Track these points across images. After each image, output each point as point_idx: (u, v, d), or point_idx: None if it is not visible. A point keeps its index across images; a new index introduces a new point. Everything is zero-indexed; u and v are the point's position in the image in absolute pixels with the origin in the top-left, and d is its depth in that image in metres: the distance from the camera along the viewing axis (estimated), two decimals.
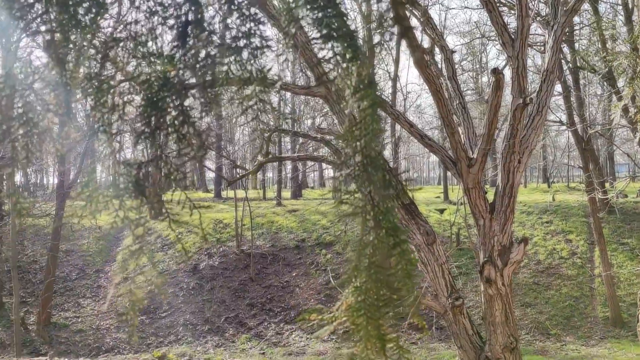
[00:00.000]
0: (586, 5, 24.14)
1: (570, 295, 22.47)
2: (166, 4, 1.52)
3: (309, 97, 26.41)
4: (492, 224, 9.57)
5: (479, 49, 46.88)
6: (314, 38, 1.46)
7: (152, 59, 1.52)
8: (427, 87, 9.84)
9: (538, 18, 12.12)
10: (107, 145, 1.61)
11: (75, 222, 27.43)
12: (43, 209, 24.83)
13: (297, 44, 9.30)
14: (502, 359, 9.41)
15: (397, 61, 37.38)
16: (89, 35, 1.54)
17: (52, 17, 1.53)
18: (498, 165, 10.43)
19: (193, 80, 1.50)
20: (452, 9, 48.59)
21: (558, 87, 24.15)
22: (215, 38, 1.47)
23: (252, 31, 1.48)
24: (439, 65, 12.31)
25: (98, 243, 28.95)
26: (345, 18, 1.47)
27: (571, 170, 57.74)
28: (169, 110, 1.49)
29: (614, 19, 23.20)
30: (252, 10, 1.54)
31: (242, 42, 1.48)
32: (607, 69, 23.62)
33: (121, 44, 1.56)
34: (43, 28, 1.50)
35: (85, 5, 1.53)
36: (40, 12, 1.53)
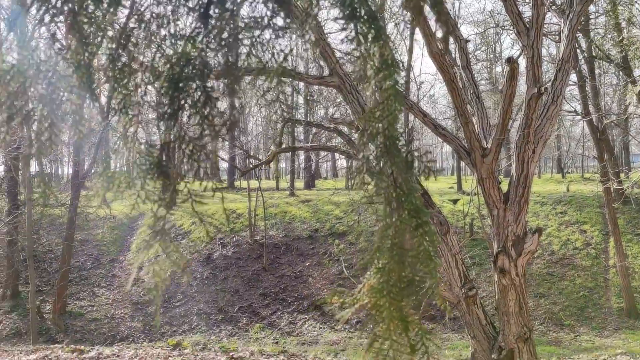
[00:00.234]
0: None
1: (585, 286, 22.36)
2: None
3: (323, 87, 26.40)
4: (506, 214, 9.54)
5: (493, 38, 46.52)
6: (337, 18, 1.45)
7: (174, 41, 1.53)
8: (440, 77, 9.80)
9: (553, 7, 12.00)
10: (128, 127, 1.61)
11: (91, 212, 27.63)
12: (58, 198, 24.98)
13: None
14: (516, 349, 9.40)
15: (410, 51, 37.22)
16: (110, 17, 1.54)
17: None
18: (512, 155, 10.38)
19: (215, 62, 1.50)
20: None
21: (573, 77, 23.95)
22: (237, 18, 1.47)
23: (275, 11, 1.48)
24: (453, 55, 12.25)
25: (112, 233, 29.16)
26: None
27: (586, 161, 57.32)
28: (191, 91, 1.49)
29: (632, 1, 22.86)
30: None
31: (264, 22, 1.48)
32: (622, 57, 23.39)
33: (143, 26, 1.57)
34: (65, 8, 1.50)
35: None
36: None
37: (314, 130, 34.85)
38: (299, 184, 45.43)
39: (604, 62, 29.30)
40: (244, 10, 1.50)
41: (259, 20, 1.49)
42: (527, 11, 19.28)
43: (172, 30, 1.55)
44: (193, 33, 1.51)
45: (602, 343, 18.28)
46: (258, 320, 22.09)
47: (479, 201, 21.08)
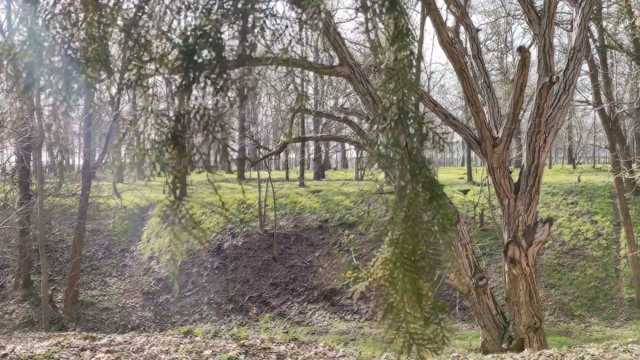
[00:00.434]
0: None
1: (595, 277, 22.29)
2: None
3: (332, 77, 26.34)
4: (516, 204, 9.52)
5: (504, 28, 46.24)
6: None
7: (188, 13, 1.53)
8: (451, 67, 9.78)
9: None
10: (144, 98, 1.62)
11: (102, 202, 27.78)
12: (69, 189, 25.13)
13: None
14: (526, 339, 9.41)
15: (420, 40, 37.04)
16: None
17: None
18: (523, 145, 10.34)
19: (230, 34, 1.50)
20: None
21: (585, 66, 23.79)
22: None
23: None
24: (464, 44, 12.20)
25: (123, 223, 29.30)
26: None
27: (597, 152, 57.01)
28: (205, 62, 1.49)
29: None
30: None
31: None
32: (635, 46, 23.21)
33: None
34: None
35: None
36: None
37: (323, 120, 34.84)
38: (309, 174, 45.43)
39: (616, 52, 29.09)
40: None
41: None
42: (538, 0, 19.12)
43: (186, 2, 1.55)
44: (207, 5, 1.51)
45: (612, 333, 18.23)
46: (268, 310, 22.18)
47: (490, 191, 21.03)
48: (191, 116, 1.53)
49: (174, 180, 1.58)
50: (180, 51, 1.50)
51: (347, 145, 54.91)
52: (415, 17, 35.68)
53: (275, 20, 1.53)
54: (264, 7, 1.50)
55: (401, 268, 1.50)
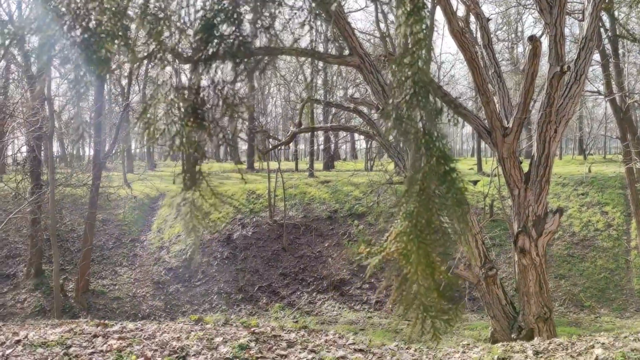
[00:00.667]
0: None
1: (606, 268, 22.23)
2: None
3: (342, 67, 26.27)
4: (527, 194, 9.50)
5: (515, 17, 45.98)
6: None
7: None
8: (461, 57, 9.75)
9: None
10: (162, 73, 1.63)
11: (112, 192, 27.92)
12: (80, 179, 25.26)
13: (331, 13, 9.26)
14: (536, 329, 9.41)
15: (431, 29, 36.88)
16: None
17: None
18: (533, 135, 10.30)
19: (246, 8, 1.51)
20: None
21: (596, 56, 23.63)
22: None
23: None
24: (474, 34, 12.15)
25: (134, 213, 29.45)
26: None
27: (608, 142, 56.67)
28: (224, 36, 1.50)
29: None
30: None
31: None
32: None
33: None
34: None
35: None
36: None
37: (333, 110, 34.81)
38: (318, 165, 45.44)
39: (628, 41, 28.87)
40: None
41: None
42: None
43: None
44: None
45: (622, 324, 18.21)
46: (278, 300, 22.27)
47: (500, 182, 20.97)
48: (211, 89, 1.54)
49: (193, 154, 1.60)
50: (200, 25, 1.51)
51: (356, 136, 54.88)
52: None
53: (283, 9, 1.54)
54: None
55: (415, 240, 1.51)
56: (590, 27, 9.70)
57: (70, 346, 6.00)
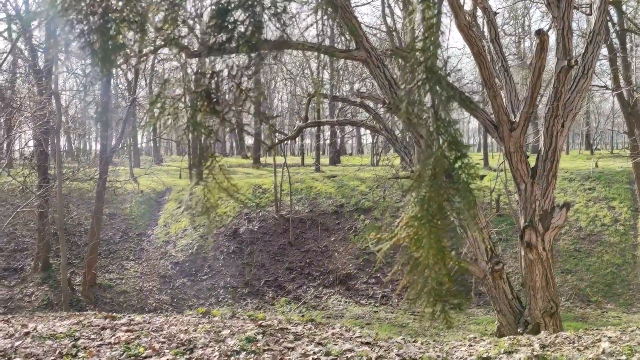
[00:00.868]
0: None
1: (612, 263, 22.19)
2: None
3: (349, 61, 26.25)
4: (533, 189, 9.49)
5: (522, 12, 45.81)
6: None
7: None
8: (467, 52, 9.73)
9: None
10: (178, 59, 1.65)
11: (119, 186, 28.01)
12: (87, 173, 25.34)
13: (338, 6, 9.25)
14: (542, 324, 9.41)
15: (438, 24, 36.78)
16: None
17: None
18: (540, 130, 10.28)
19: None
20: None
21: (604, 51, 23.54)
22: None
23: None
24: (481, 28, 12.12)
25: (140, 207, 29.54)
26: None
27: (615, 137, 56.48)
28: (237, 21, 1.51)
29: None
30: None
31: None
32: None
33: None
34: None
35: None
36: None
37: (339, 105, 34.78)
38: (325, 160, 45.47)
39: (635, 35, 28.73)
40: None
41: None
42: None
43: None
44: None
45: (629, 319, 18.18)
46: (284, 294, 22.32)
47: (506, 177, 20.96)
48: (225, 74, 1.55)
49: (207, 139, 1.61)
50: (214, 10, 1.52)
51: (362, 131, 54.80)
52: None
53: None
54: None
55: (427, 225, 1.52)
56: (598, 21, 9.67)
57: (78, 338, 6.05)
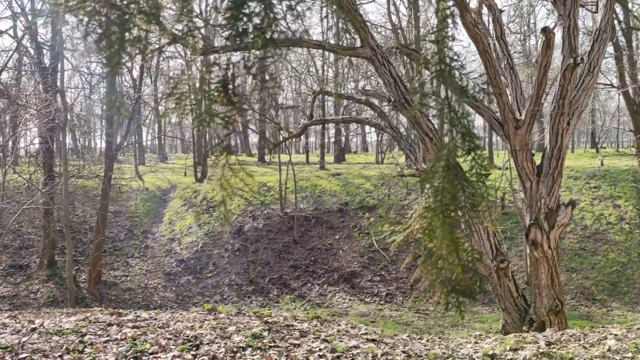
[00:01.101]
0: None
1: (617, 261, 22.15)
2: None
3: (353, 58, 26.21)
4: (539, 187, 9.48)
5: (527, 10, 45.71)
6: None
7: None
8: (472, 50, 9.72)
9: None
10: (195, 51, 1.66)
11: (124, 184, 28.07)
12: (92, 170, 25.41)
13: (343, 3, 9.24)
14: (547, 322, 9.39)
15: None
16: None
17: None
18: (545, 128, 10.26)
19: None
20: None
21: (610, 49, 23.49)
22: None
23: None
24: (487, 26, 12.10)
25: (145, 205, 29.60)
26: None
27: (621, 136, 56.30)
28: (254, 12, 1.52)
29: None
30: None
31: None
32: None
33: None
34: None
35: None
36: None
37: (344, 103, 34.77)
38: (329, 158, 45.48)
39: None
40: None
41: None
42: None
43: None
44: None
45: (634, 318, 18.14)
46: (288, 292, 22.35)
47: (511, 175, 20.93)
48: (241, 65, 1.56)
49: (224, 129, 1.62)
50: (231, 1, 1.53)
51: (367, 129, 54.81)
52: None
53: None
54: None
55: (441, 216, 1.53)
56: (604, 18, 9.64)
57: (85, 334, 6.07)
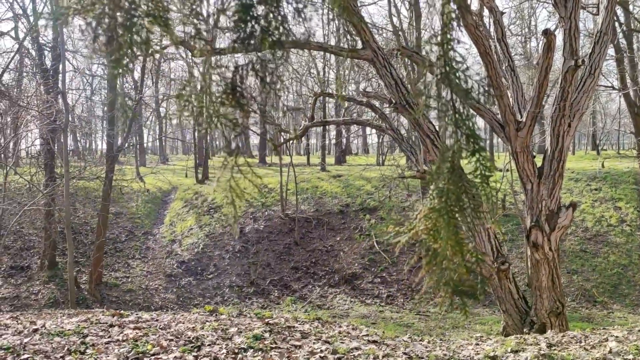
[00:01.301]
0: None
1: (618, 263, 22.14)
2: None
3: (355, 60, 26.21)
4: (540, 189, 9.48)
5: (528, 12, 45.74)
6: None
7: None
8: (473, 52, 9.73)
9: None
10: (202, 53, 1.67)
11: (125, 185, 28.10)
12: (93, 172, 25.43)
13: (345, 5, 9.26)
14: (548, 324, 9.40)
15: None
16: None
17: None
18: (546, 130, 10.28)
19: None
20: None
21: (611, 51, 23.50)
22: None
23: None
24: (488, 28, 12.11)
25: (146, 206, 29.62)
26: None
27: (622, 138, 56.29)
28: (260, 16, 1.53)
29: None
30: None
31: None
32: None
33: None
34: None
35: None
36: None
37: (345, 104, 34.79)
38: (330, 159, 45.50)
39: None
40: None
41: None
42: None
43: None
44: None
45: (635, 320, 18.13)
46: (289, 293, 22.35)
47: (512, 177, 20.94)
48: (249, 67, 1.57)
49: (232, 131, 1.64)
50: (237, 4, 1.54)
51: (368, 130, 54.75)
52: None
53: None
54: None
55: (445, 217, 1.54)
56: (605, 21, 9.66)
57: (86, 335, 6.08)
